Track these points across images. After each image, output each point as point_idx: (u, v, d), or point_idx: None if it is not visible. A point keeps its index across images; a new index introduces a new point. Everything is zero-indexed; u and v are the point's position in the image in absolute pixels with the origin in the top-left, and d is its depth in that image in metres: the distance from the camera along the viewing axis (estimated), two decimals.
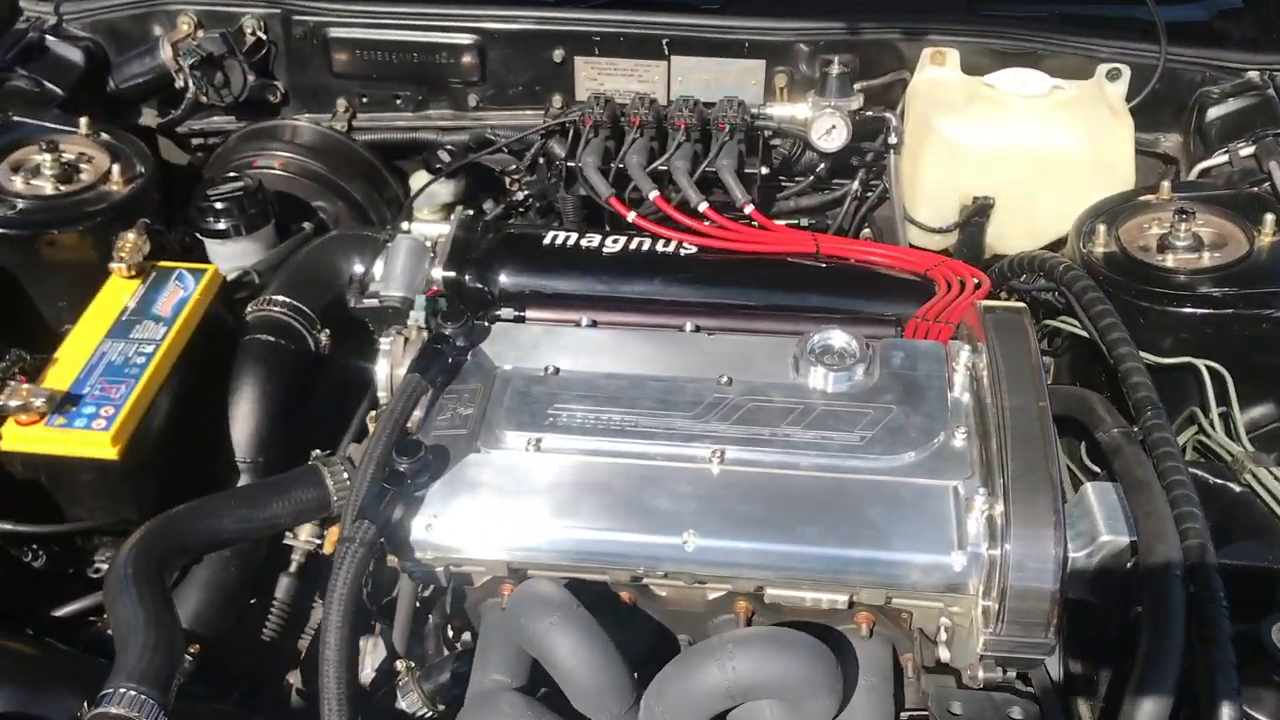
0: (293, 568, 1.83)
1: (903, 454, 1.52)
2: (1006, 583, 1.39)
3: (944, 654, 1.53)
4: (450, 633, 1.71)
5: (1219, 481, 1.60)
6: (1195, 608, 1.32)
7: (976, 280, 1.86)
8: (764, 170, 2.11)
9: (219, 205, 2.03)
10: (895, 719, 1.48)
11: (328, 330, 1.96)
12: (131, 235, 1.86)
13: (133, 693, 1.27)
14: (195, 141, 2.39)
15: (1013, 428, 1.48)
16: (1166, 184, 1.91)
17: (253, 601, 1.83)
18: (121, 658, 1.32)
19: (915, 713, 1.49)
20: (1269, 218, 1.79)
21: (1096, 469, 1.70)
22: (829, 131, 2.10)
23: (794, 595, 1.50)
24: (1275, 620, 1.36)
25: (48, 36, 2.28)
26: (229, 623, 1.76)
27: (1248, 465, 1.58)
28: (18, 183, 1.96)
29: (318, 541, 1.83)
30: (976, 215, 2.05)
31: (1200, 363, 1.68)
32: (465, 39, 2.26)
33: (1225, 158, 2.01)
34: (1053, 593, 1.39)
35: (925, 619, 1.56)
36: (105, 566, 1.76)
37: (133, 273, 1.85)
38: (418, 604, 1.71)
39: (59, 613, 1.65)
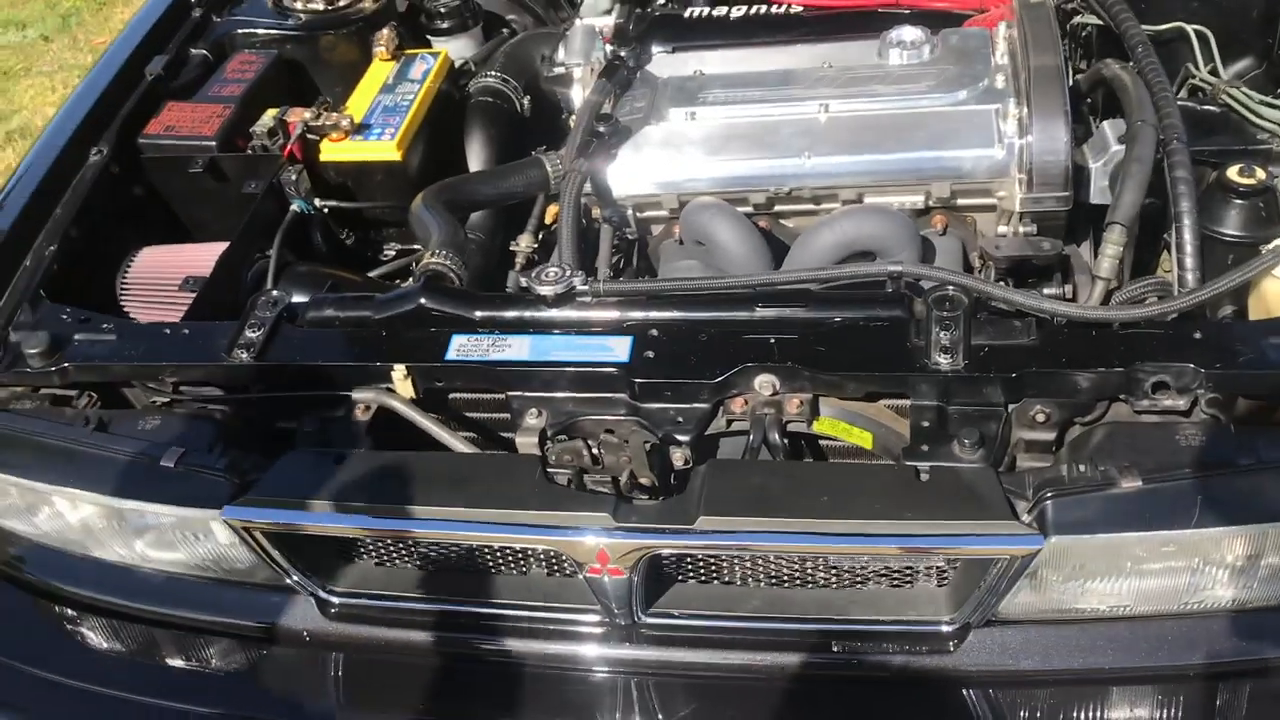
0: (518, 267, 2.47)
1: (958, 93, 2.10)
2: (1032, 159, 1.97)
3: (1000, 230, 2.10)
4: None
5: (1204, 108, 2.13)
6: (1164, 150, 1.86)
7: None
8: None
9: (442, 9, 2.71)
10: None
11: (529, 98, 2.61)
12: (386, 30, 2.55)
13: (444, 252, 1.95)
14: None
15: (1035, 69, 2.04)
16: None
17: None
18: (431, 240, 1.99)
19: None
20: None
21: None
22: None
23: (886, 200, 2.10)
24: (1229, 165, 1.90)
25: None
26: None
27: (1223, 88, 2.11)
28: (299, 5, 2.67)
29: (536, 245, 2.46)
30: None
31: (1189, 27, 2.22)
32: None
33: None
34: (1065, 163, 1.96)
35: (985, 224, 2.14)
36: (392, 253, 2.46)
37: (389, 57, 2.54)
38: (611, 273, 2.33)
39: (372, 274, 2.35)
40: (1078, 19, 2.36)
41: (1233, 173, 1.87)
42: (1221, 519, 1.46)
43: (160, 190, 2.33)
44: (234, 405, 1.82)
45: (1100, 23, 2.28)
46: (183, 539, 1.75)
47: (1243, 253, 1.84)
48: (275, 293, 1.89)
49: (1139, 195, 1.81)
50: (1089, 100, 2.30)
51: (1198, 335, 1.59)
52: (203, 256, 2.15)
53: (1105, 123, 2.10)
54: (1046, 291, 1.98)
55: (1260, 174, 1.86)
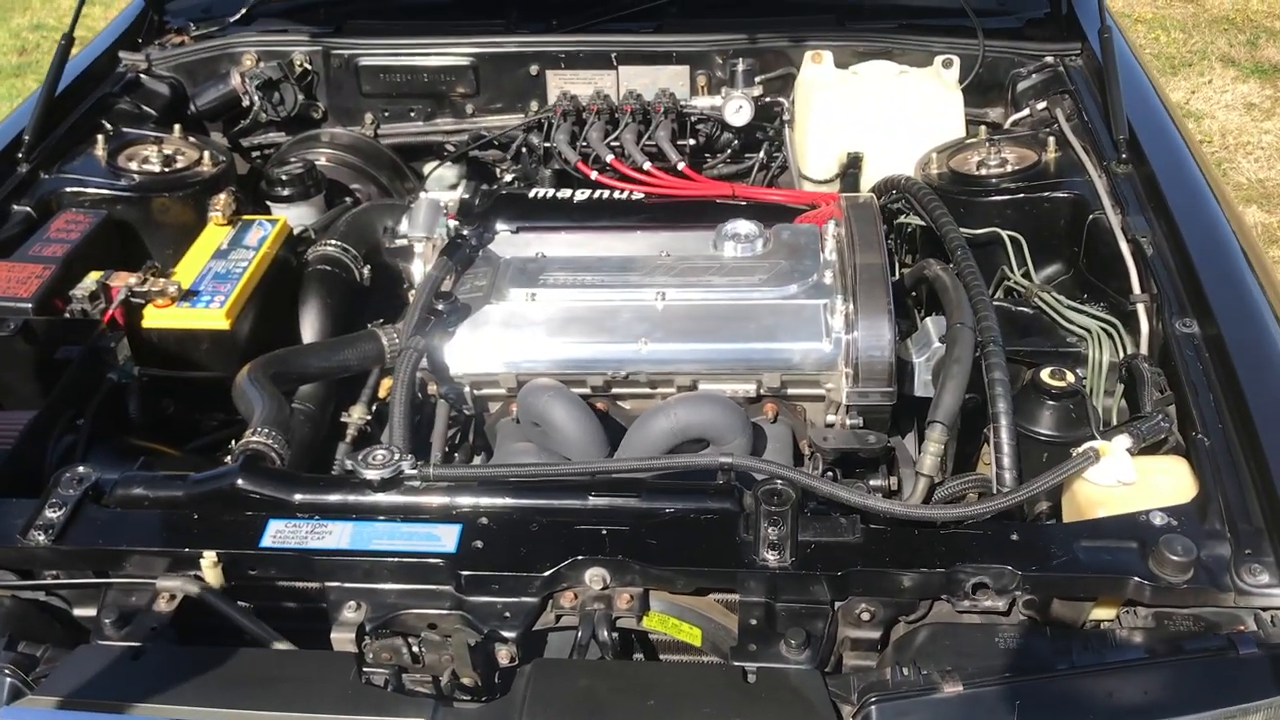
0: (348, 439, 2.40)
1: (788, 287, 2.17)
2: (858, 354, 2.04)
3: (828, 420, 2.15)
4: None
5: (1019, 309, 2.25)
6: (982, 352, 1.95)
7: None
8: (691, 142, 2.81)
9: (284, 177, 2.69)
10: None
11: (369, 267, 2.58)
12: (223, 195, 2.50)
13: (266, 430, 1.87)
14: (255, 154, 3.07)
15: (861, 267, 2.13)
16: (984, 129, 2.61)
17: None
18: (253, 417, 1.92)
19: None
20: (1051, 141, 2.49)
21: None
22: (738, 110, 2.80)
23: (719, 387, 2.13)
24: (1042, 368, 1.99)
25: (141, 76, 2.97)
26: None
27: (1036, 291, 2.23)
28: (133, 166, 2.62)
29: (369, 417, 2.41)
30: (851, 167, 2.74)
31: (1004, 233, 2.35)
32: (463, 61, 2.98)
33: (1027, 111, 2.73)
34: (889, 359, 2.03)
35: (815, 412, 2.19)
36: (213, 423, 2.36)
37: (225, 222, 2.49)
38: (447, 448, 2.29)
39: (189, 447, 2.24)
40: (902, 219, 2.48)
41: (1045, 375, 1.96)
42: None
43: None
44: (25, 591, 1.68)
45: (923, 223, 2.40)
46: None
47: (1055, 452, 1.91)
48: (81, 469, 1.78)
49: (958, 396, 1.88)
50: (913, 294, 2.41)
51: (1015, 537, 1.64)
52: (6, 425, 2.02)
53: (928, 319, 2.19)
54: (872, 483, 2.02)
55: (1070, 377, 1.96)
